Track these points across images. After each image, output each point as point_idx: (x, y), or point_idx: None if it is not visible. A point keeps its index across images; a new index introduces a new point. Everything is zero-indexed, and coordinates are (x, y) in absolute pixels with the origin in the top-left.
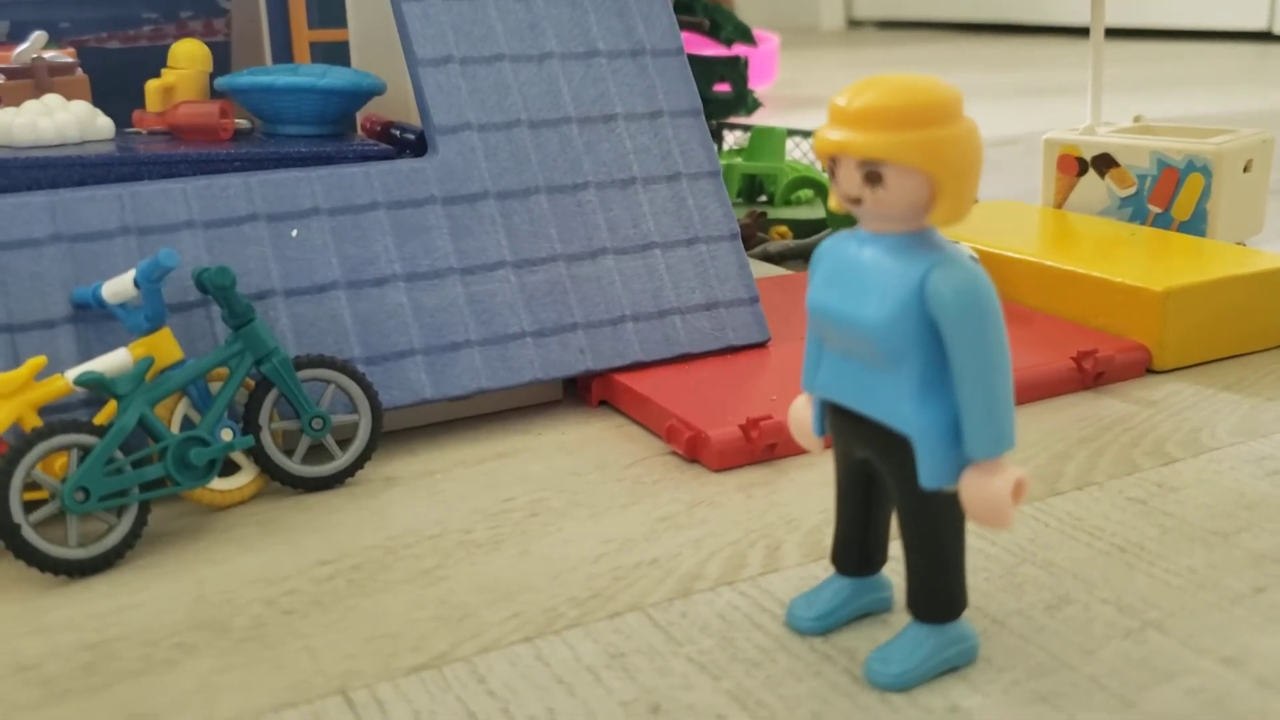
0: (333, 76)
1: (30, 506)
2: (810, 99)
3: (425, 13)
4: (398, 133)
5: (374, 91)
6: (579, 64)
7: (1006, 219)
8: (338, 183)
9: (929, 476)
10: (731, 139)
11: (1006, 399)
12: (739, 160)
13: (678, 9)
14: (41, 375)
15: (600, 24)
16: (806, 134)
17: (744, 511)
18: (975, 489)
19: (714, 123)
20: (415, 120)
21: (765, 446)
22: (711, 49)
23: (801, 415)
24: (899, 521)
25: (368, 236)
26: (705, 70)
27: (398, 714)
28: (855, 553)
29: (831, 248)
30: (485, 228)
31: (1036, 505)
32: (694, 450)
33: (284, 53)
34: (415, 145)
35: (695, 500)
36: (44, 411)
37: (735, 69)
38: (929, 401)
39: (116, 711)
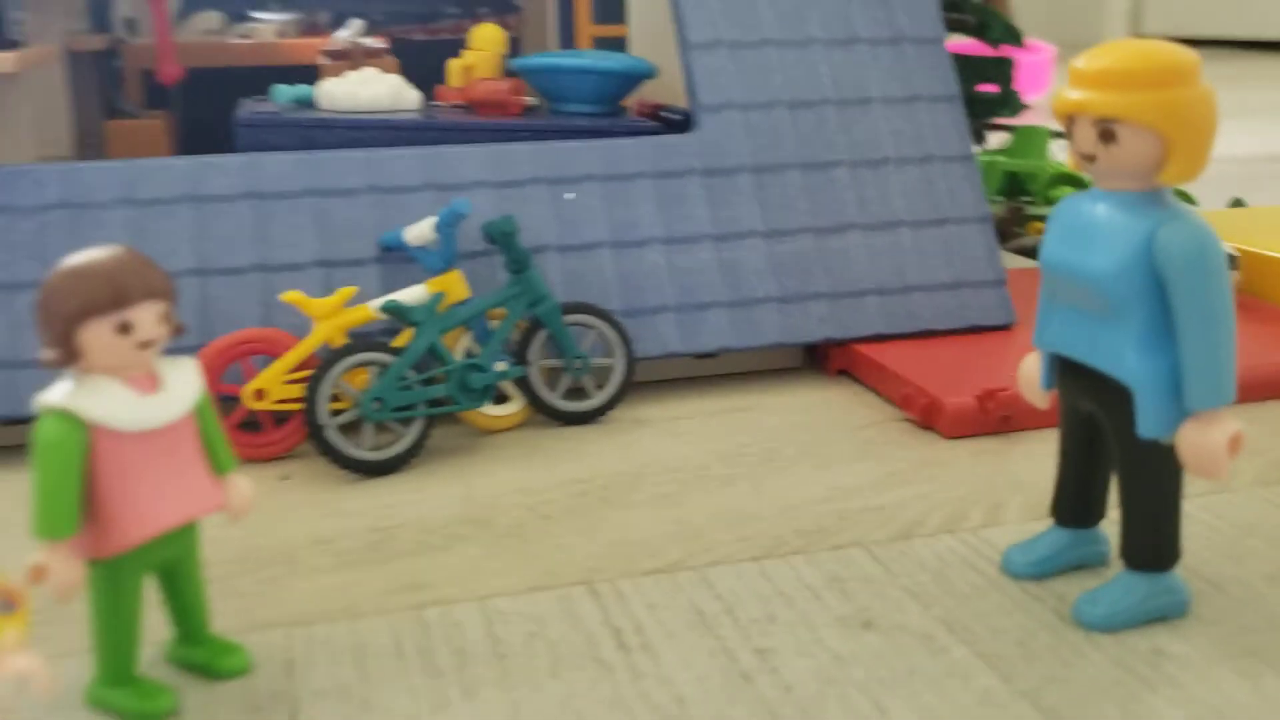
0: (611, 60)
1: (334, 414)
2: None
3: (699, 1)
4: (666, 114)
5: (647, 75)
6: (840, 50)
7: (1276, 224)
8: (609, 154)
9: (1148, 426)
10: (996, 139)
11: (1227, 353)
12: (1001, 158)
13: (946, 7)
14: (350, 304)
15: (863, 13)
16: None
17: (971, 474)
18: (1192, 439)
19: (978, 121)
20: (684, 104)
21: (1000, 418)
22: (980, 50)
23: (1030, 370)
24: (1118, 471)
25: (633, 202)
26: (971, 69)
27: (635, 605)
28: (1074, 504)
29: (1066, 205)
30: (740, 199)
31: (1270, 489)
32: (928, 417)
33: (568, 46)
34: (681, 125)
35: (924, 461)
36: (351, 334)
37: (1001, 69)
38: (1151, 353)
39: (396, 580)
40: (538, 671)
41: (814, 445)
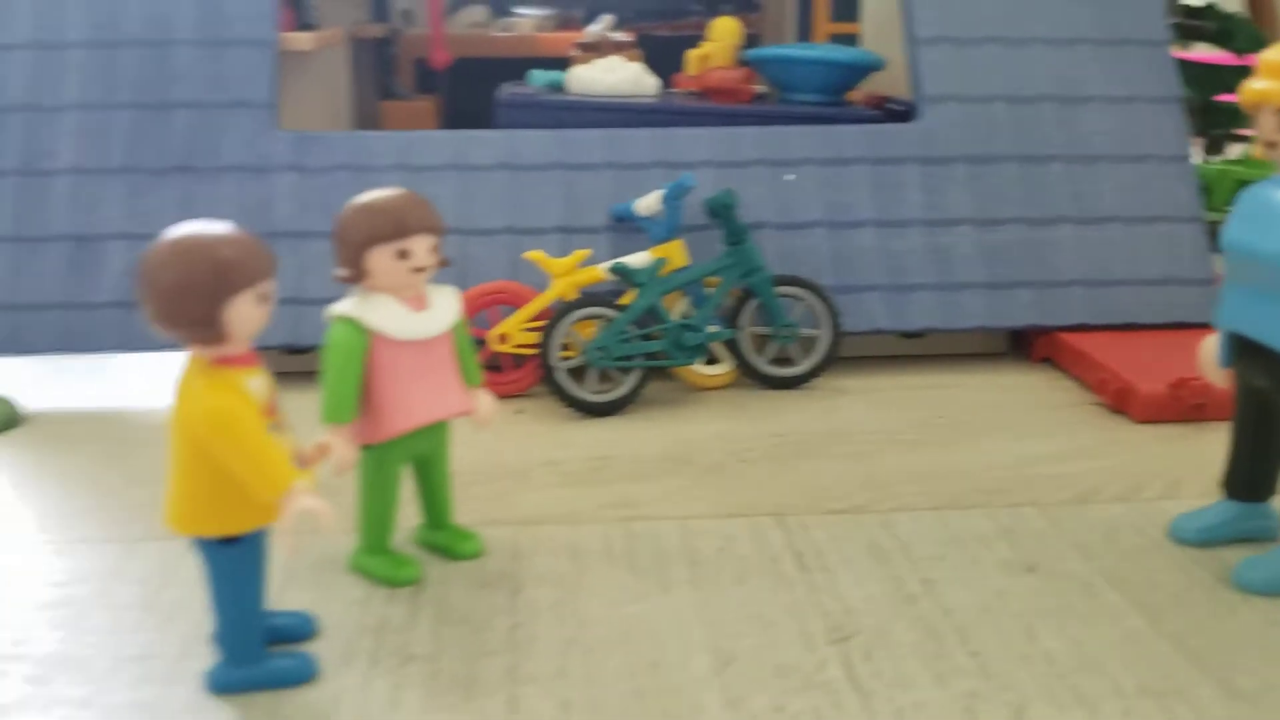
0: (839, 52)
1: (564, 360)
2: None
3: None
4: (891, 105)
5: (874, 66)
6: (1061, 49)
7: None
8: (830, 139)
9: None
10: (1237, 150)
11: None
12: (1237, 168)
13: (1186, 14)
14: (584, 265)
15: (1087, 14)
16: None
17: (1156, 455)
18: None
19: (1217, 131)
20: (909, 96)
21: (1192, 406)
22: (1224, 59)
23: (1210, 349)
24: None
25: (849, 186)
26: (1210, 77)
27: (817, 535)
28: (1245, 478)
29: (1252, 190)
30: (954, 187)
31: None
32: (1120, 401)
33: (805, 41)
34: (904, 116)
35: (1111, 440)
36: (583, 292)
37: (1243, 79)
38: None
39: (610, 498)
40: (725, 577)
41: (1005, 420)
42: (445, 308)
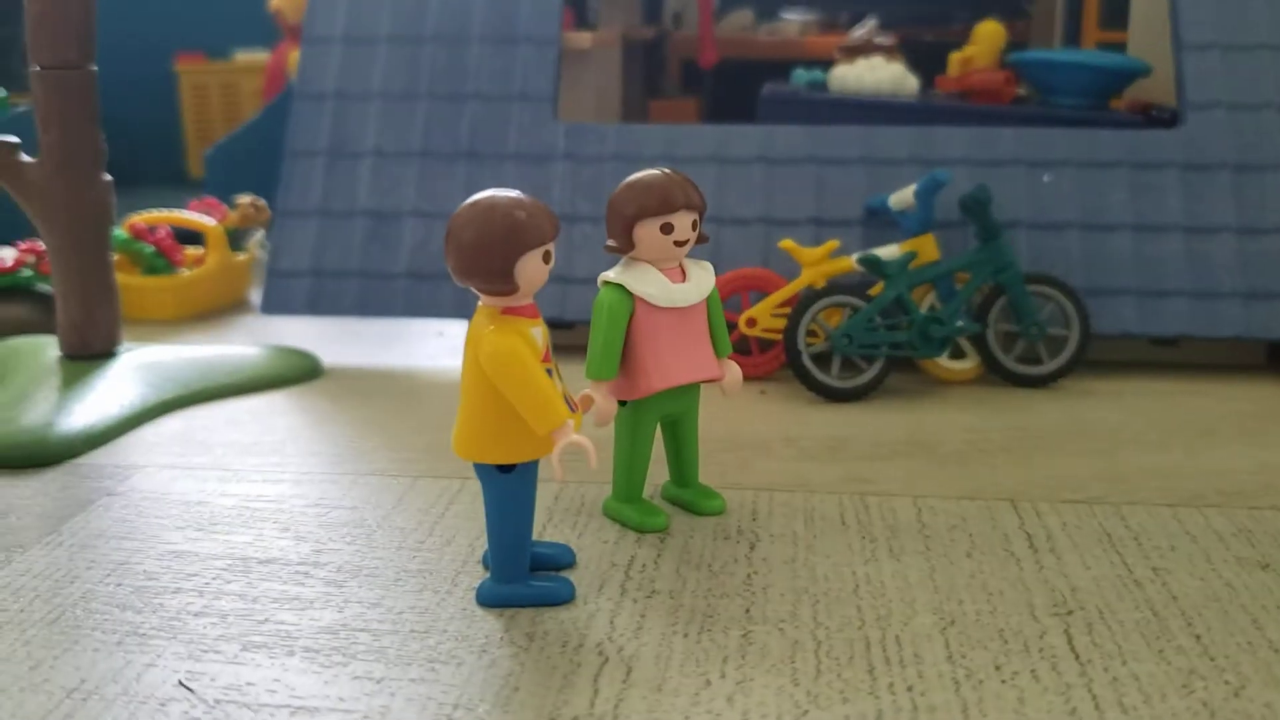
0: (1103, 57)
1: (810, 346)
2: None
3: (1197, 4)
4: (1155, 111)
5: (1139, 72)
6: None
7: None
8: (1089, 142)
9: None
10: None
11: None
12: None
13: None
14: (834, 255)
15: None
16: None
17: None
18: None
19: None
20: (1175, 103)
21: None
22: None
23: None
24: None
25: (1106, 189)
26: None
27: (1050, 521)
28: None
29: None
30: (1217, 194)
31: None
32: None
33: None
34: (1168, 123)
35: None
36: (832, 282)
37: None
38: None
39: (846, 473)
40: (955, 550)
41: (1255, 428)
42: (702, 280)
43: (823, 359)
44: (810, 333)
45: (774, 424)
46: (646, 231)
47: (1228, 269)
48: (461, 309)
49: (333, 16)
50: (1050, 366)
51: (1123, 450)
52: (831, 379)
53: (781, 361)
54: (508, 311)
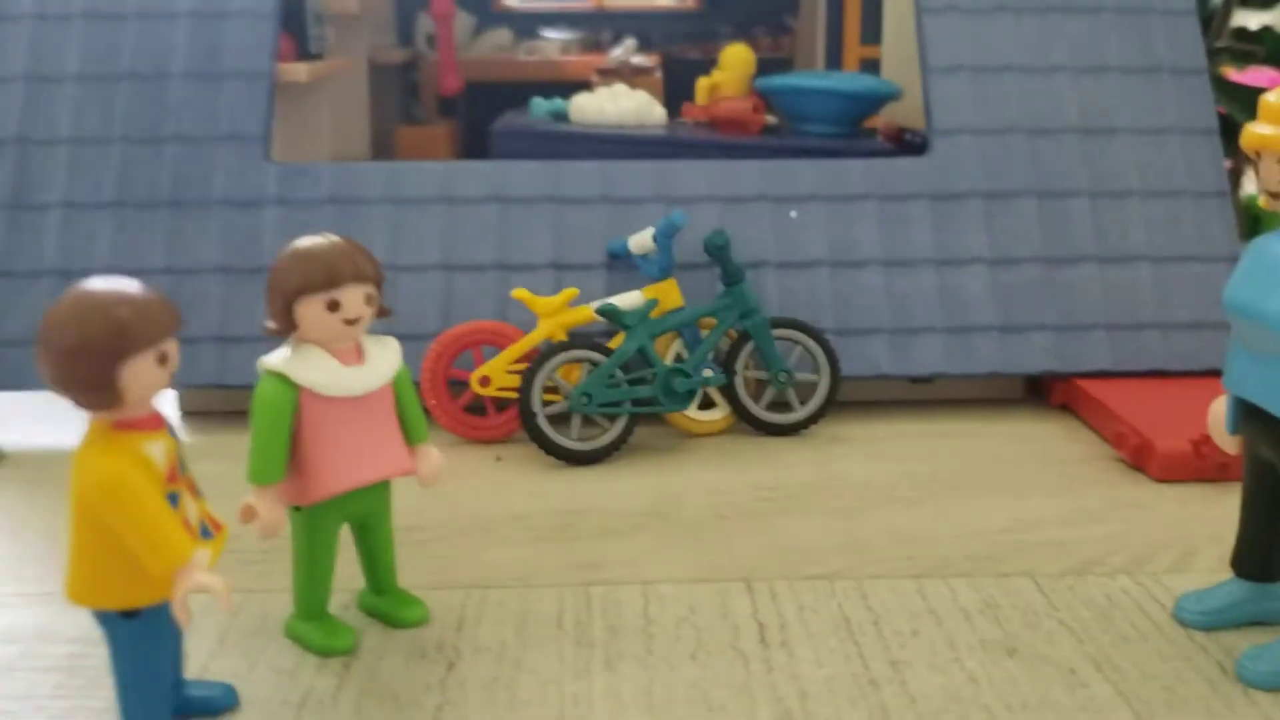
0: (852, 82)
1: (546, 404)
2: None
3: (944, 25)
4: (909, 136)
5: (889, 96)
6: (1088, 78)
7: None
8: (836, 174)
9: None
10: None
11: None
12: None
13: (1235, 36)
14: (574, 305)
15: (1117, 41)
16: None
17: (1171, 519)
18: None
19: None
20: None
21: (1216, 465)
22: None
23: (1218, 413)
24: None
25: (855, 223)
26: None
27: (786, 605)
28: (1256, 557)
29: (1256, 244)
30: (968, 224)
31: None
32: (1139, 458)
33: (835, 66)
34: (920, 148)
35: (1124, 501)
36: (572, 333)
37: None
38: None
39: (574, 558)
40: (679, 654)
41: (1011, 476)
42: (383, 361)
43: (563, 418)
44: (549, 389)
45: (504, 498)
46: (310, 310)
47: (981, 302)
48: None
49: (12, 51)
50: (801, 414)
51: (870, 510)
52: (571, 441)
53: (520, 423)
54: (120, 426)
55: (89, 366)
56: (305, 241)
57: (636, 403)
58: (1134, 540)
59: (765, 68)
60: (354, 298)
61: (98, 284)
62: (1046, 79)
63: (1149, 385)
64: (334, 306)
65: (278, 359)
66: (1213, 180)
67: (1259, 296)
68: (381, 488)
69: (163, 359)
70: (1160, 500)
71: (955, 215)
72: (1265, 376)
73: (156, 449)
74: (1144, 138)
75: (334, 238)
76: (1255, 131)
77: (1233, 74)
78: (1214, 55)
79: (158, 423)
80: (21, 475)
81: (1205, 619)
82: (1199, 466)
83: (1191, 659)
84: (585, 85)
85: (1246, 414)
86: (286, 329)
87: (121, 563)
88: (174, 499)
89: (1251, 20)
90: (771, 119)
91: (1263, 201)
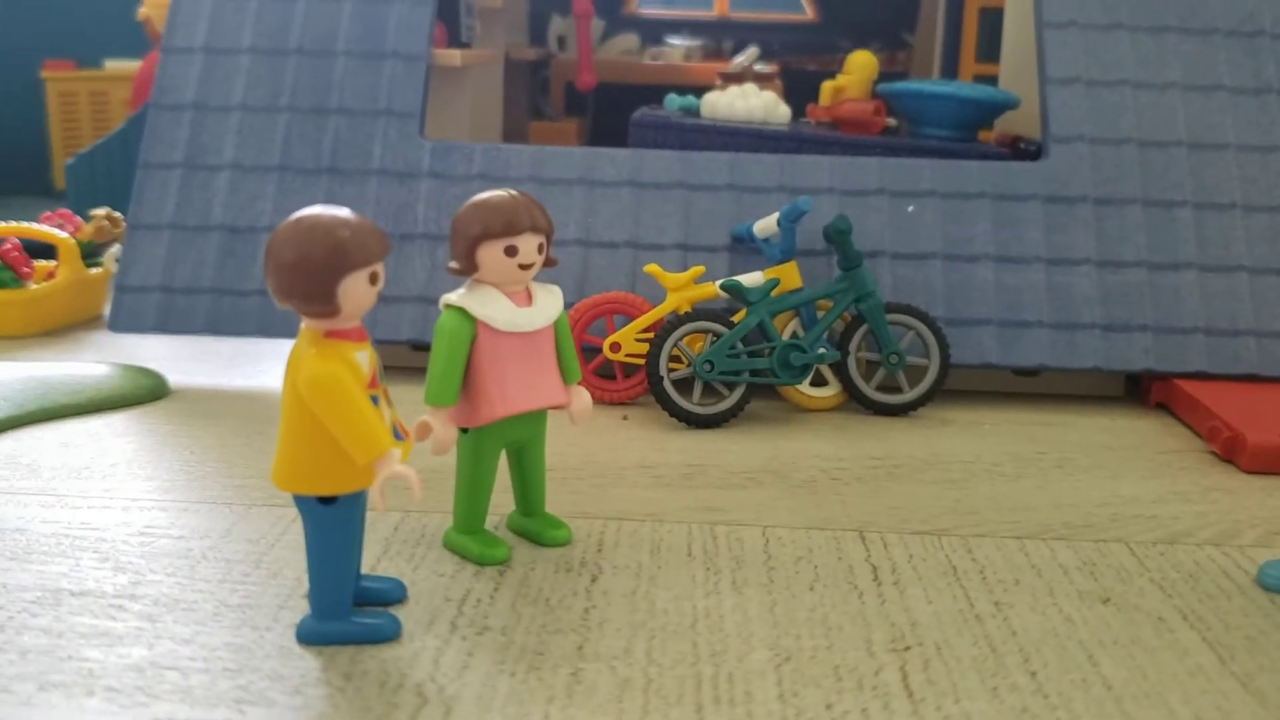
0: (971, 89)
1: (671, 371)
2: None
3: (1063, 39)
4: (1023, 144)
5: (1007, 105)
6: (1199, 95)
7: None
8: (953, 173)
9: None
10: None
11: None
12: None
13: None
14: (700, 281)
15: (1229, 62)
16: None
17: (1258, 504)
18: None
19: None
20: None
21: None
22: None
23: None
24: None
25: (970, 220)
26: None
27: (896, 553)
28: None
29: None
30: (1077, 227)
31: None
32: (1230, 451)
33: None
34: (1034, 155)
35: (1215, 487)
36: (697, 307)
37: None
38: None
39: (699, 502)
40: (798, 583)
41: (1109, 460)
42: (549, 305)
43: (685, 384)
44: (674, 358)
45: (632, 450)
46: (490, 254)
47: (1087, 301)
48: None
49: (194, 26)
50: (909, 395)
51: (975, 481)
52: (693, 405)
53: (645, 387)
54: (331, 335)
55: (312, 280)
56: (488, 194)
57: (754, 374)
58: (1222, 519)
59: (882, 82)
60: (529, 245)
61: (319, 209)
62: (1159, 94)
63: (1243, 388)
64: (511, 251)
65: (458, 295)
66: None
67: None
68: (539, 417)
69: (374, 278)
70: (1249, 488)
71: (1067, 218)
72: None
73: (362, 357)
74: (1249, 154)
75: (514, 191)
76: None
77: None
78: None
79: (362, 335)
80: (188, 408)
81: None
82: None
83: (1272, 616)
84: (708, 89)
85: None
86: (469, 269)
87: (326, 453)
88: (374, 401)
89: None
90: (892, 121)
91: None
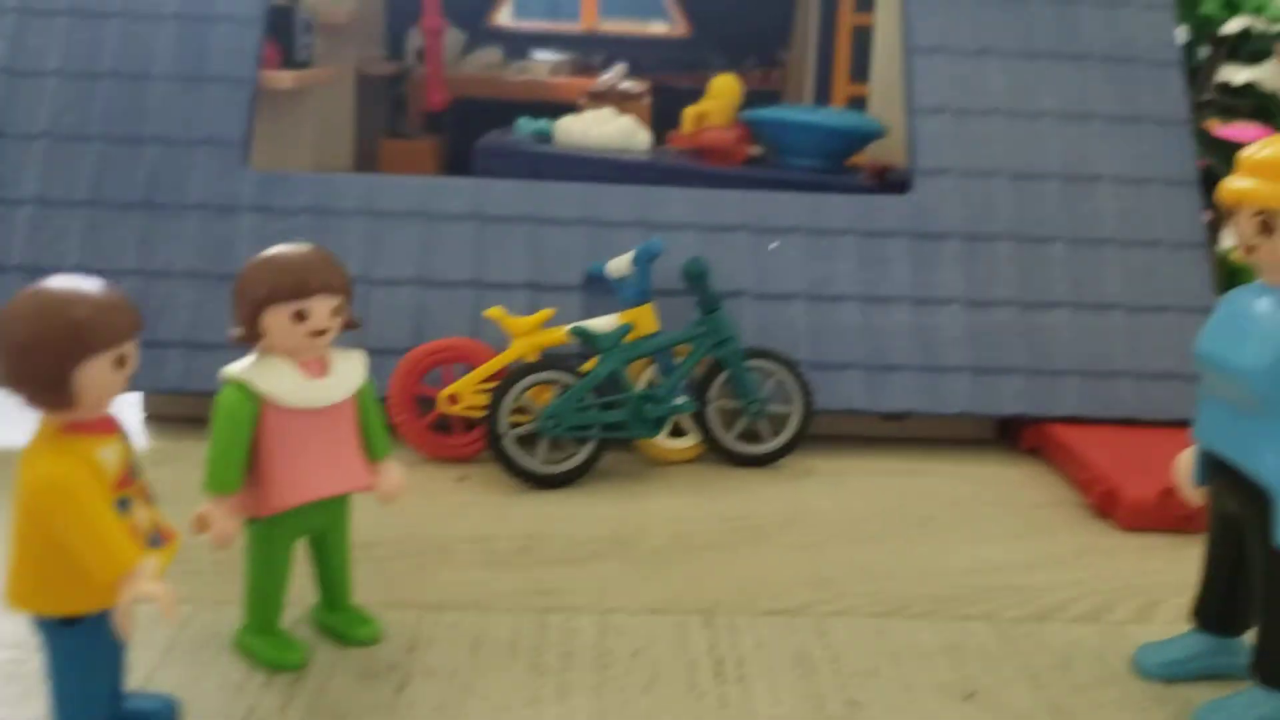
0: (837, 118)
1: (514, 425)
2: None
3: (931, 66)
4: (892, 175)
5: (874, 134)
6: (1072, 124)
7: None
8: (818, 208)
9: None
10: None
11: None
12: None
13: (1222, 91)
14: (549, 326)
15: (1103, 89)
16: None
17: (1135, 569)
18: None
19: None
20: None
21: (1182, 516)
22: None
23: (1185, 464)
24: (1256, 579)
25: (834, 258)
26: None
27: (744, 640)
28: (1217, 609)
29: (1230, 297)
30: (945, 264)
31: None
32: (1106, 505)
33: (824, 101)
34: (902, 187)
35: (1089, 548)
36: (545, 354)
37: None
38: None
39: (532, 584)
40: (632, 685)
41: (977, 517)
42: (348, 374)
43: (531, 440)
44: (518, 410)
45: (466, 519)
46: (277, 319)
47: (955, 342)
48: (154, 379)
49: None
50: (771, 445)
51: (835, 544)
52: (537, 463)
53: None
54: (72, 428)
55: (42, 365)
56: (275, 250)
57: (606, 427)
58: (1097, 588)
59: (755, 100)
60: (321, 309)
61: (57, 282)
62: (1031, 124)
63: (1120, 433)
64: (301, 317)
65: (240, 368)
66: (1190, 232)
67: (1230, 349)
68: (339, 502)
69: (120, 362)
70: (1124, 549)
71: (934, 255)
72: (1233, 429)
73: (108, 453)
74: (1125, 186)
75: (304, 247)
76: (1231, 186)
77: (1217, 128)
78: (1200, 109)
79: (111, 426)
80: None
81: (1164, 670)
82: (1164, 516)
83: (1147, 710)
84: (574, 107)
85: (1213, 467)
86: (252, 337)
87: (63, 569)
88: (125, 504)
89: (1237, 75)
90: (756, 150)
91: (1238, 255)
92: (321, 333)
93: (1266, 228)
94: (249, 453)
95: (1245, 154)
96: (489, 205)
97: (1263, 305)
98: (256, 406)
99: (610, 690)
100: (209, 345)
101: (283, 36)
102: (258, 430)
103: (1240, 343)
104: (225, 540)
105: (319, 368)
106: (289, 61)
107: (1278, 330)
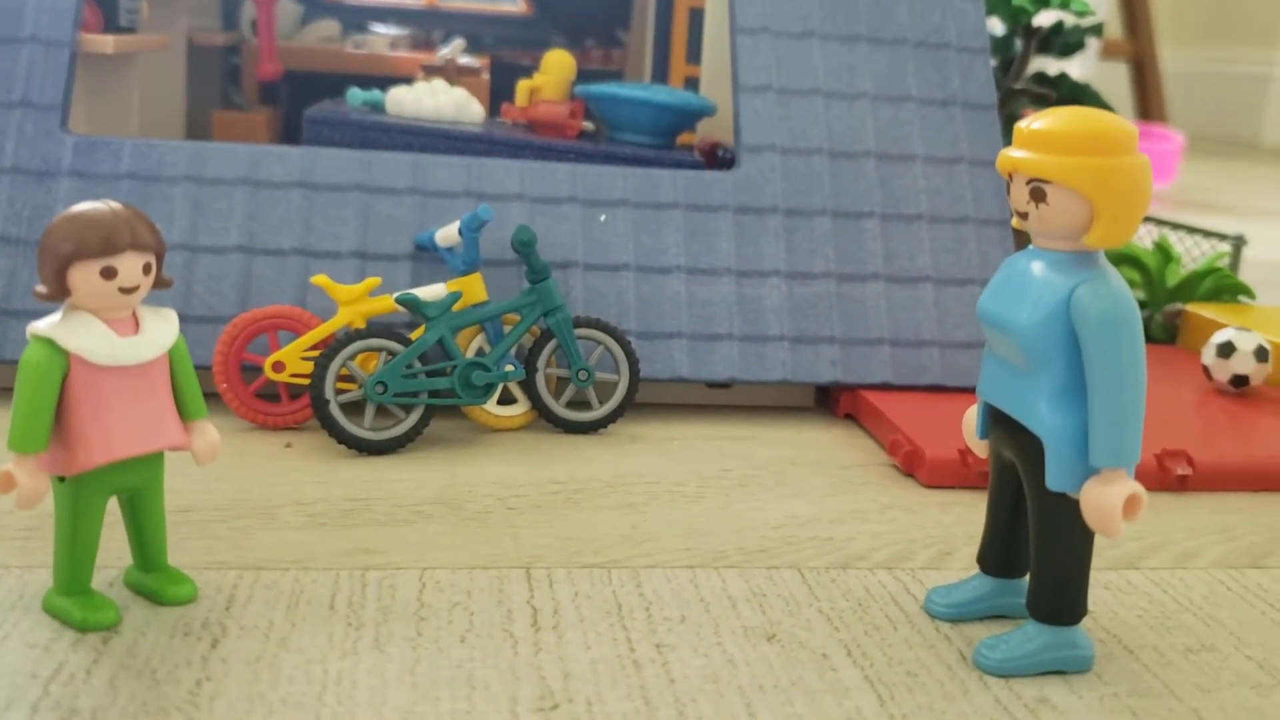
0: (667, 95)
1: (340, 392)
2: (1208, 205)
3: (755, 46)
4: (721, 152)
5: (703, 111)
6: (888, 106)
7: None
8: (646, 182)
9: (1055, 479)
10: None
11: (1133, 414)
12: None
13: (1035, 80)
14: (377, 294)
15: (917, 73)
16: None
17: (934, 521)
18: (1091, 495)
19: None
20: None
21: (981, 473)
22: None
23: (970, 418)
24: (1030, 522)
25: (662, 231)
26: None
27: (561, 591)
28: (998, 553)
29: (1008, 261)
30: (767, 238)
31: (1228, 572)
32: (910, 464)
33: (661, 81)
34: (731, 163)
35: (892, 504)
36: (371, 322)
37: None
38: (1063, 408)
39: (354, 544)
40: (449, 636)
41: (791, 477)
42: (160, 332)
43: (357, 407)
44: (344, 378)
45: (290, 484)
46: (84, 276)
47: (776, 313)
48: None
49: None
50: (599, 413)
51: (656, 504)
52: (363, 430)
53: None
54: None
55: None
56: (83, 205)
57: (434, 394)
58: (896, 539)
59: (596, 79)
60: (132, 266)
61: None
62: (849, 105)
63: (926, 399)
64: (110, 274)
65: (47, 324)
66: (996, 209)
67: (1005, 308)
68: (152, 462)
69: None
70: (925, 505)
71: (757, 229)
72: (1010, 384)
73: None
74: (936, 166)
75: (114, 204)
76: (1007, 155)
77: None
78: (1013, 96)
79: None
80: None
81: (951, 611)
82: (964, 474)
83: (935, 647)
84: (410, 81)
85: (993, 419)
86: (58, 294)
87: None
88: None
89: (1050, 66)
90: (589, 125)
91: (1015, 222)
92: (131, 290)
93: (1037, 195)
94: (56, 410)
95: (1021, 126)
96: (318, 174)
97: (1035, 268)
98: (64, 363)
99: (426, 641)
100: (22, 313)
101: (106, 1)
102: (65, 388)
103: (1015, 303)
104: (32, 499)
105: (130, 326)
106: (112, 26)
107: (1045, 291)
